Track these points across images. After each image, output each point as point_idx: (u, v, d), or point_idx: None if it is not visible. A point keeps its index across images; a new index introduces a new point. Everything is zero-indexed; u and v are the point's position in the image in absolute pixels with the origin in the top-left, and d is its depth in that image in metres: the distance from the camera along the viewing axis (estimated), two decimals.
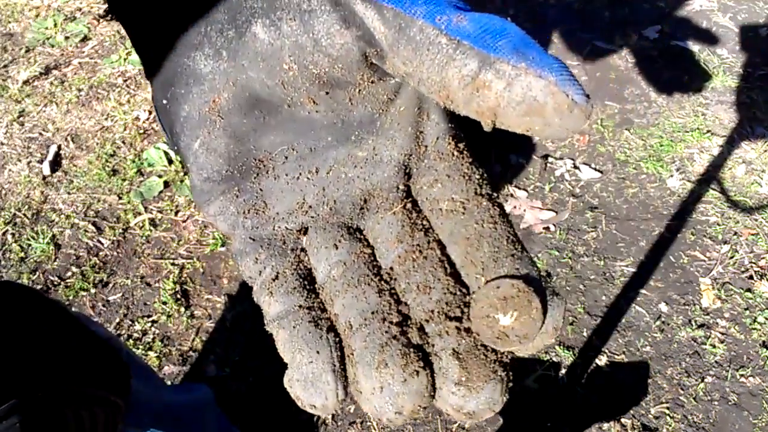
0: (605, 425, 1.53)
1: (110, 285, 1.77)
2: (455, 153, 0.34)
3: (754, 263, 1.81)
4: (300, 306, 0.32)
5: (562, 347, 1.64)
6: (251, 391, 1.58)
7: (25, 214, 1.92)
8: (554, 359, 1.63)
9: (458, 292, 0.31)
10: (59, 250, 1.84)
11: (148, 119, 2.19)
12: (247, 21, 0.29)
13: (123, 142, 2.12)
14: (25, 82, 2.31)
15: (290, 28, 0.28)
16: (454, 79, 0.27)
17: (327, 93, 0.31)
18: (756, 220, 1.91)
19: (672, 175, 2.02)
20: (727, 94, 2.24)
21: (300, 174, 0.34)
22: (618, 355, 1.64)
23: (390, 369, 0.29)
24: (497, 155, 2.07)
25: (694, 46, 2.41)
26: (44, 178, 2.02)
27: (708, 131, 2.13)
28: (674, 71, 2.33)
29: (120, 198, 1.96)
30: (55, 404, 0.51)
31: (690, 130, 2.14)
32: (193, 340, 1.66)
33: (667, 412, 1.55)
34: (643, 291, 1.76)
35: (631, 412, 1.55)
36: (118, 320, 1.69)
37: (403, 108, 0.32)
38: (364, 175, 0.34)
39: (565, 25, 2.51)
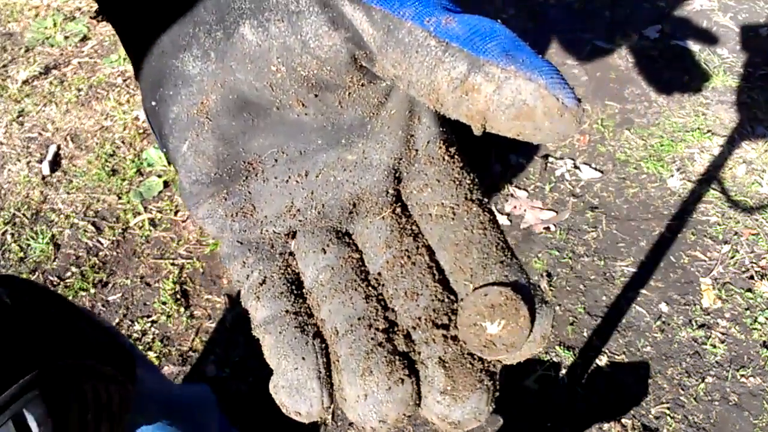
0: (605, 425, 1.52)
1: (110, 285, 1.77)
2: (446, 157, 0.33)
3: (755, 263, 1.80)
4: (287, 311, 0.32)
5: (562, 347, 1.64)
6: (251, 391, 1.57)
7: (24, 214, 1.92)
8: (554, 359, 1.63)
9: (446, 299, 0.31)
10: (59, 250, 1.84)
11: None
12: (235, 22, 0.29)
13: (122, 142, 2.12)
14: (25, 82, 2.31)
15: (278, 29, 0.28)
16: (443, 81, 0.26)
17: (316, 96, 0.30)
18: (756, 220, 1.90)
19: (672, 175, 2.02)
20: (728, 94, 2.24)
21: (289, 177, 0.33)
22: (618, 355, 1.64)
23: (375, 376, 0.28)
24: (497, 155, 2.07)
25: (695, 46, 2.41)
26: (44, 178, 2.02)
27: (708, 131, 2.13)
28: (674, 71, 2.32)
29: (119, 198, 1.96)
30: (73, 376, 0.52)
31: (690, 129, 2.13)
32: (193, 340, 1.66)
33: (668, 412, 1.54)
34: (643, 291, 1.76)
35: (632, 412, 1.55)
36: (117, 320, 1.69)
37: (394, 111, 0.32)
38: (353, 178, 0.33)
39: (565, 25, 2.50)
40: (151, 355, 1.62)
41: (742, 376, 1.60)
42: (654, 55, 2.38)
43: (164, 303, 1.72)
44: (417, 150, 0.33)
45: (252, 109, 0.31)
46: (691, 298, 1.74)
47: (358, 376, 0.29)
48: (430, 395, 0.29)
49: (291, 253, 0.34)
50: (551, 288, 1.76)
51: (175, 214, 1.92)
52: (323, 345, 0.30)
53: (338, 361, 0.30)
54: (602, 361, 1.63)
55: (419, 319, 0.30)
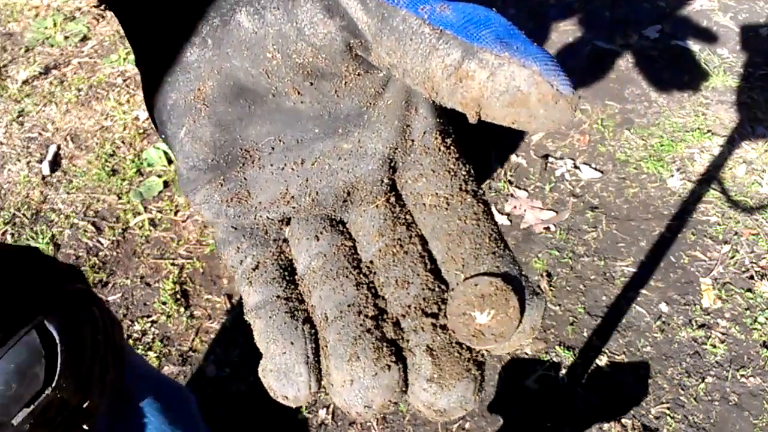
0: (605, 425, 1.52)
1: (110, 285, 1.77)
2: (442, 148, 0.33)
3: (755, 263, 1.80)
4: (278, 296, 0.32)
5: (562, 347, 1.64)
6: (251, 391, 1.57)
7: (24, 214, 1.92)
8: (554, 359, 1.62)
9: (437, 288, 0.31)
10: (59, 250, 1.84)
11: (147, 119, 2.19)
12: (232, 9, 0.29)
13: (122, 142, 2.12)
14: (25, 82, 2.31)
15: (274, 16, 0.28)
16: (437, 69, 0.26)
17: (312, 84, 0.30)
18: (756, 220, 1.90)
19: (672, 175, 2.02)
20: (728, 94, 2.24)
21: (285, 165, 0.33)
22: (618, 355, 1.64)
23: (361, 362, 0.29)
24: (497, 155, 2.07)
25: (695, 46, 2.41)
26: (43, 178, 2.02)
27: (708, 131, 2.13)
28: (675, 71, 2.32)
29: (119, 198, 1.96)
30: (82, 299, 0.56)
31: (690, 129, 2.13)
32: (193, 340, 1.66)
33: (668, 412, 1.54)
34: (643, 291, 1.76)
35: (632, 412, 1.54)
36: None
37: (390, 102, 0.32)
38: (348, 167, 0.33)
39: (565, 25, 2.50)
40: (151, 355, 1.62)
41: (742, 376, 1.60)
42: (654, 55, 2.38)
43: (164, 303, 1.72)
44: (413, 140, 0.33)
45: (248, 96, 0.32)
46: (691, 298, 1.74)
47: (345, 361, 0.29)
48: (416, 383, 0.29)
49: (285, 240, 0.34)
50: (551, 288, 1.76)
51: (175, 214, 1.92)
52: (312, 330, 0.31)
53: (327, 346, 0.30)
54: (602, 361, 1.63)
55: (409, 307, 0.30)
